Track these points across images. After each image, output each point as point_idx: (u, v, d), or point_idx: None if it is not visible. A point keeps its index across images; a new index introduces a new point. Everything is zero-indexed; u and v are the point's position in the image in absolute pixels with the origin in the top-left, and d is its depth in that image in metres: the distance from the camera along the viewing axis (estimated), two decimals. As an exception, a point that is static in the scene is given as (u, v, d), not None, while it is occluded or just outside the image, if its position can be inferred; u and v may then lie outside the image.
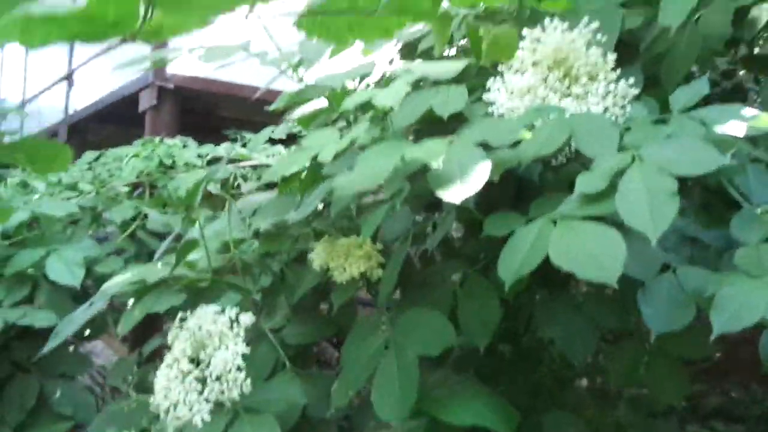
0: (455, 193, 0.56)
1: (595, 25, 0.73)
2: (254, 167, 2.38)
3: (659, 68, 0.87)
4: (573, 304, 0.80)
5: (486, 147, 0.64)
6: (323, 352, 2.44)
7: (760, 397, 2.29)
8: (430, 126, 0.78)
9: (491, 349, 0.87)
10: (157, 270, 0.85)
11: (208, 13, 0.29)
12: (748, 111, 0.65)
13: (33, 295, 1.67)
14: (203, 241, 0.86)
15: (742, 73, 1.07)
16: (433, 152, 0.55)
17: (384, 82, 0.88)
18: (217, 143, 2.52)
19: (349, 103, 0.66)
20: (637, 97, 0.76)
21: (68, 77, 4.20)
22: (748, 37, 0.95)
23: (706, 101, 1.01)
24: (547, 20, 0.73)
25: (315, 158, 0.64)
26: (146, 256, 2.18)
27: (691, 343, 0.76)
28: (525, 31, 0.74)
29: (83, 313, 0.82)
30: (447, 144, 0.64)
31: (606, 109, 0.73)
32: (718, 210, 0.81)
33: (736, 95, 1.06)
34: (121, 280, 0.85)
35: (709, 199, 0.83)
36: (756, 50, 1.02)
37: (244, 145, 2.57)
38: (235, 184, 2.21)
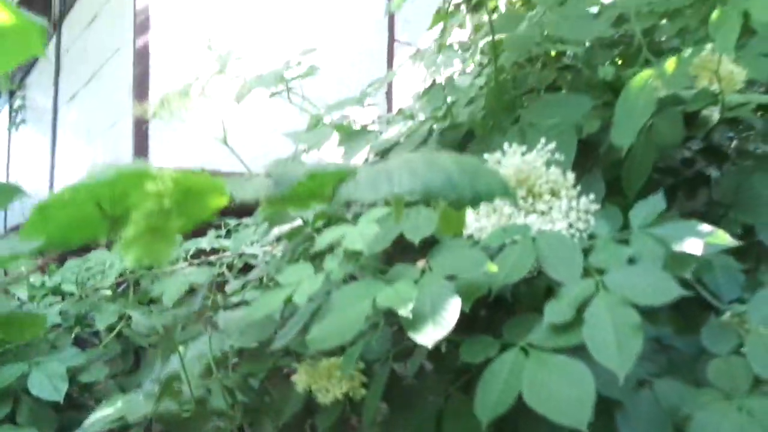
0: (428, 336, 0.57)
1: (551, 146, 0.77)
2: (239, 255, 2.39)
3: (620, 171, 0.91)
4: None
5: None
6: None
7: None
8: (402, 244, 0.80)
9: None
10: (139, 405, 0.84)
11: (168, 248, 0.30)
12: (705, 227, 0.67)
13: (15, 409, 1.63)
14: (184, 372, 0.86)
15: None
16: (404, 297, 0.57)
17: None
18: (201, 229, 2.53)
19: (321, 243, 0.68)
20: (600, 203, 0.79)
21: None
22: (702, 134, 0.99)
23: (671, 189, 1.05)
24: (506, 145, 0.77)
25: (290, 299, 0.65)
26: (132, 353, 2.16)
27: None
28: (486, 156, 0.77)
29: (63, 457, 0.81)
30: (418, 277, 0.66)
31: (570, 225, 0.76)
32: (691, 309, 0.82)
33: (699, 183, 1.09)
34: (101, 417, 0.84)
35: (681, 297, 0.85)
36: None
37: (228, 232, 2.58)
38: (222, 270, 2.21)
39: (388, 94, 3.71)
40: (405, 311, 0.56)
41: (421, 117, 1.27)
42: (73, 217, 0.29)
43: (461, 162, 0.36)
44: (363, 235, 0.64)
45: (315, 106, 1.34)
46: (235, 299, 1.61)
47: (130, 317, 2.01)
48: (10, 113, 5.66)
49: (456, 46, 1.55)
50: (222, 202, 0.32)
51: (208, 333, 1.12)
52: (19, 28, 0.61)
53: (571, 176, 0.77)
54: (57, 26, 4.66)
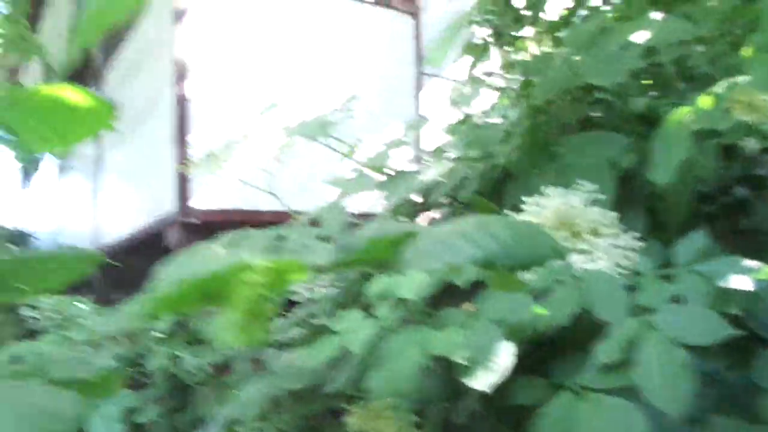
0: (482, 381, 0.60)
1: (591, 187, 0.79)
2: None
3: (657, 203, 0.92)
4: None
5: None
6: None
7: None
8: (447, 287, 0.83)
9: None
10: (200, 449, 0.87)
11: (265, 329, 0.33)
12: (750, 262, 0.68)
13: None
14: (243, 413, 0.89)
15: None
16: (457, 344, 0.59)
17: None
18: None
19: (373, 291, 0.71)
20: (642, 238, 0.80)
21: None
22: (739, 162, 1.00)
23: (710, 217, 1.05)
24: (545, 187, 0.79)
25: (345, 348, 0.68)
26: (180, 390, 2.22)
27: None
28: (525, 198, 0.80)
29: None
30: (466, 321, 0.68)
31: (613, 263, 0.77)
32: (741, 342, 0.82)
33: (738, 209, 1.09)
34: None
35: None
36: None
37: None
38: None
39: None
40: (460, 358, 0.58)
41: (453, 153, 1.30)
42: (177, 299, 0.33)
43: (513, 227, 0.39)
44: (413, 283, 0.67)
45: (347, 144, 1.38)
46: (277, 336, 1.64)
47: (178, 357, 2.07)
48: (59, 161, 5.91)
49: (484, 78, 1.58)
50: (303, 277, 0.35)
51: (260, 374, 1.15)
52: (92, 106, 0.67)
53: (612, 215, 0.78)
54: (99, 75, 4.89)
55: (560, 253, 0.39)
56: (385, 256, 0.46)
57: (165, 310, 0.32)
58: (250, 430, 0.96)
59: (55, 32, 6.08)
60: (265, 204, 3.24)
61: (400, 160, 1.29)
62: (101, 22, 0.54)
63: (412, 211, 1.27)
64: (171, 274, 0.31)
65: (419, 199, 1.23)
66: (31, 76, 7.29)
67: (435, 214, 1.29)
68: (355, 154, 1.32)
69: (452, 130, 1.42)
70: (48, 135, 0.64)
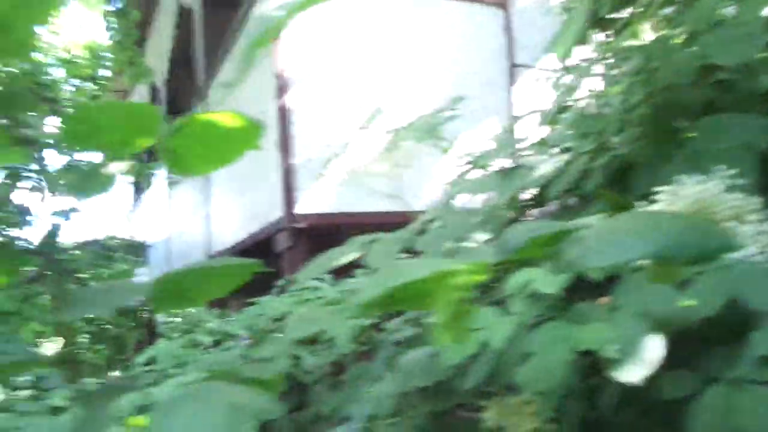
0: (631, 374, 0.59)
1: (731, 171, 0.75)
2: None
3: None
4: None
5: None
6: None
7: None
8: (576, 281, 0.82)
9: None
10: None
11: (469, 327, 0.36)
12: None
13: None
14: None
15: None
16: (606, 338, 0.59)
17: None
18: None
19: (510, 286, 0.72)
20: (788, 224, 0.76)
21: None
22: None
23: None
24: (674, 176, 0.77)
25: (485, 344, 0.70)
26: (298, 389, 2.32)
27: None
28: (658, 189, 0.78)
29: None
30: (605, 315, 0.68)
31: (761, 250, 0.73)
32: None
33: None
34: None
35: None
36: None
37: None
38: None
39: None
40: (611, 352, 0.59)
41: (560, 145, 1.27)
42: (382, 303, 0.36)
43: (683, 221, 0.39)
44: (553, 278, 0.68)
45: (446, 141, 1.38)
46: (390, 337, 1.68)
47: (298, 357, 2.17)
48: (168, 175, 6.34)
49: (583, 65, 1.54)
50: (484, 278, 0.37)
51: (388, 371, 1.20)
52: (242, 127, 0.73)
53: (755, 200, 0.75)
54: (203, 92, 5.20)
55: (733, 246, 0.38)
56: (539, 253, 0.47)
57: (371, 312, 0.35)
58: (384, 426, 1.00)
59: (157, 54, 6.53)
60: (360, 207, 3.33)
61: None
62: (259, 47, 0.60)
63: (519, 206, 1.27)
64: (370, 281, 0.34)
65: (530, 195, 1.22)
66: (138, 98, 7.87)
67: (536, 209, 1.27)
68: (454, 151, 1.33)
69: (553, 120, 1.40)
70: (207, 158, 0.70)
